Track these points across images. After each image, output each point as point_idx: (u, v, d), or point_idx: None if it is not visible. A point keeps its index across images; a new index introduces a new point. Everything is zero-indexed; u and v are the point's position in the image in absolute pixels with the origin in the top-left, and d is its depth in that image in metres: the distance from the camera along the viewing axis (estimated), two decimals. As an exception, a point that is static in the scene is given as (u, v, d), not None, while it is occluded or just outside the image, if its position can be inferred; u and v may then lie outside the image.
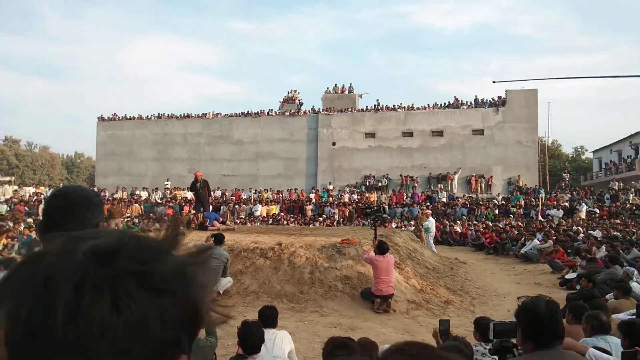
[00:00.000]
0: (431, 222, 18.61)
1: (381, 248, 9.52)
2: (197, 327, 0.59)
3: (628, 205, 25.57)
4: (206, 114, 39.30)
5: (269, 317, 4.96)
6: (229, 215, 25.59)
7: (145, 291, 0.52)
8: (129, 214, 27.27)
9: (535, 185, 31.80)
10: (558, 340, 2.70)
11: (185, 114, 39.57)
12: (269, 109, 38.78)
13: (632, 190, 28.49)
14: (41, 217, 1.67)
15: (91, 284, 0.50)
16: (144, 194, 32.97)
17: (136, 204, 29.13)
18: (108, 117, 40.24)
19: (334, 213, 27.21)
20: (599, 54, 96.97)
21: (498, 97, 34.11)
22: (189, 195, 29.95)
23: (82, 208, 1.62)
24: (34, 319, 0.50)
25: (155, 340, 0.52)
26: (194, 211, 15.01)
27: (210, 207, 16.25)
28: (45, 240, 1.59)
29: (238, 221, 25.36)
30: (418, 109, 35.52)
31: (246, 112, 38.69)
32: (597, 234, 18.48)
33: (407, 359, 0.83)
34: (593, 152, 48.31)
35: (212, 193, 18.70)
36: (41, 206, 26.13)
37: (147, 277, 0.53)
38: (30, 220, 21.87)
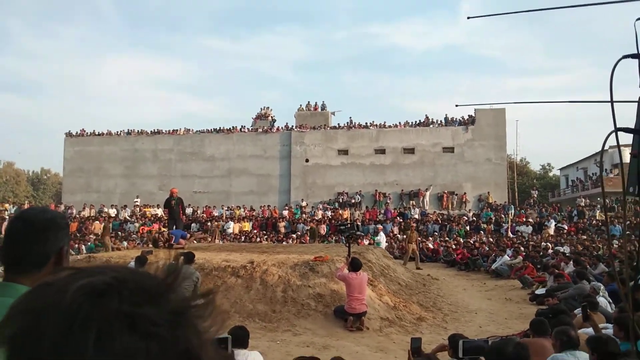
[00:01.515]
0: (382, 237, 19.09)
1: (354, 265, 9.50)
2: None
3: (594, 222, 26.24)
4: (177, 130, 38.86)
5: (239, 338, 4.86)
6: (218, 233, 25.65)
7: (132, 333, 0.51)
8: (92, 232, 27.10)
9: (505, 202, 32.36)
10: None
11: (156, 130, 39.05)
12: (242, 126, 38.65)
13: (598, 206, 29.25)
14: (3, 241, 1.61)
15: (79, 320, 0.50)
16: (113, 212, 32.29)
17: (96, 222, 28.83)
18: (76, 133, 39.43)
19: (307, 230, 27.12)
20: (562, 76, 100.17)
21: (468, 115, 34.80)
22: (159, 212, 29.53)
23: (46, 231, 1.56)
24: (25, 348, 0.51)
25: None
26: (165, 229, 14.79)
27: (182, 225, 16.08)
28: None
29: (210, 238, 25.15)
30: (390, 126, 35.95)
31: (218, 128, 38.44)
32: (565, 249, 18.85)
33: None
34: (560, 169, 49.40)
35: (185, 211, 18.72)
36: (5, 224, 25.32)
37: (136, 319, 0.52)
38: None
